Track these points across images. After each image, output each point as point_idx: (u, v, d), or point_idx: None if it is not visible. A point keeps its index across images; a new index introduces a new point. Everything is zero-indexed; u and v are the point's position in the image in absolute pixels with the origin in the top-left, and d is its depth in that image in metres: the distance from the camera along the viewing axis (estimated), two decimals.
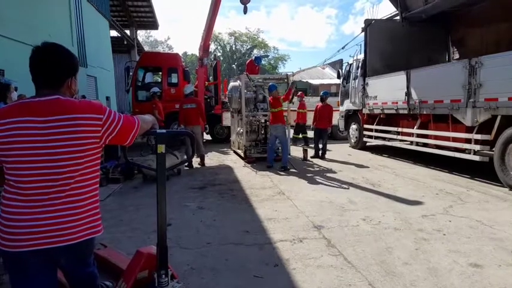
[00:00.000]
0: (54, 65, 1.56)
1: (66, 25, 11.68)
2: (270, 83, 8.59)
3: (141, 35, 39.63)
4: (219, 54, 43.12)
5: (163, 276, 2.01)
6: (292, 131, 9.98)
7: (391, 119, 9.44)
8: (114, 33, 20.05)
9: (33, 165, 1.46)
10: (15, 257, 1.49)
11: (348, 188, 6.01)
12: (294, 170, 7.68)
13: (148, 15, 22.13)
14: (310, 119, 10.73)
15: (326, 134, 9.49)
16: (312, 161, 8.93)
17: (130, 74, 13.00)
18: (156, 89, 10.51)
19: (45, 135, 1.45)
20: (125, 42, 21.06)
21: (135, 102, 12.48)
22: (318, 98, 10.51)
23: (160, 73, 13.25)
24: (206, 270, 3.13)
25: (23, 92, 5.58)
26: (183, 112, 8.17)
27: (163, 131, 1.99)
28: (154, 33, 45.06)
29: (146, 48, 35.95)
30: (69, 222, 1.52)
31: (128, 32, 21.86)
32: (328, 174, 7.23)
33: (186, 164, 7.96)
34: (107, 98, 16.30)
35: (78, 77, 1.69)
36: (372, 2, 65.83)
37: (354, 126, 11.30)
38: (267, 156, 8.37)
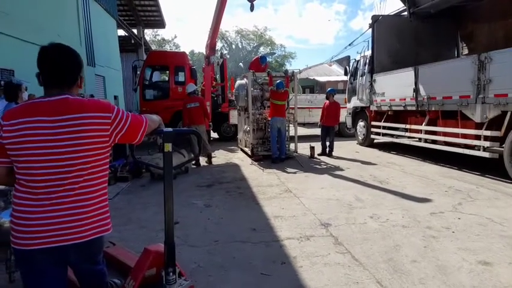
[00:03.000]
0: (67, 63, 1.60)
1: (74, 25, 11.76)
2: (278, 81, 8.60)
3: (148, 33, 39.72)
4: (225, 52, 43.15)
5: (171, 273, 2.02)
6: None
7: (399, 115, 9.36)
8: (121, 32, 20.16)
9: (44, 164, 1.48)
10: (26, 254, 1.52)
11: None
12: (301, 168, 7.67)
13: (155, 14, 22.18)
14: (317, 116, 10.72)
15: (333, 131, 9.44)
16: (319, 159, 8.90)
17: (138, 73, 13.08)
18: (193, 87, 10.60)
19: (55, 135, 1.47)
20: (132, 41, 21.14)
21: (142, 101, 12.56)
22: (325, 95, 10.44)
23: (168, 72, 13.31)
24: (213, 267, 3.15)
25: (33, 92, 5.65)
26: (186, 111, 8.24)
27: (170, 129, 2.00)
28: (161, 32, 45.07)
29: (153, 47, 36.08)
30: (79, 220, 1.54)
31: (135, 31, 21.92)
32: (336, 172, 7.21)
33: (193, 162, 8.02)
34: (115, 97, 16.39)
35: (87, 77, 1.72)
36: None
37: (361, 123, 11.23)
38: (271, 150, 8.44)
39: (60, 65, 1.58)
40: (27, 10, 8.55)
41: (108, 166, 1.68)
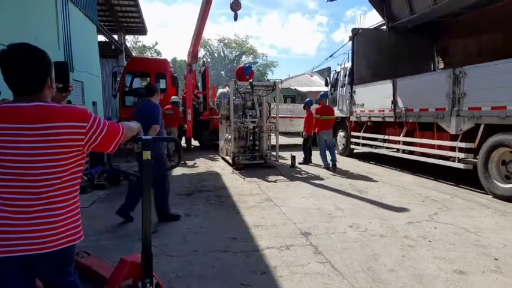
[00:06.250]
0: (33, 67, 1.50)
1: (52, 29, 11.51)
2: (322, 92, 9.07)
3: (129, 40, 39.29)
4: (208, 60, 43.17)
5: (148, 285, 1.98)
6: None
7: (378, 126, 9.55)
8: (102, 38, 19.89)
9: (12, 171, 1.42)
10: None
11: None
12: (281, 177, 7.69)
13: (137, 21, 22.00)
14: (298, 125, 10.90)
15: (306, 140, 9.80)
16: (300, 168, 8.95)
17: (118, 79, 12.89)
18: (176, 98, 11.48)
19: (26, 142, 1.42)
20: (113, 47, 20.88)
21: (122, 108, 12.37)
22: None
23: (148, 79, 13.18)
24: (192, 278, 3.09)
25: (7, 97, 5.47)
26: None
27: (149, 137, 1.97)
28: (142, 39, 44.68)
29: (134, 54, 35.71)
30: (47, 230, 1.48)
31: (116, 37, 21.68)
32: (316, 181, 7.26)
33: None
34: (94, 103, 16.06)
35: None
36: (363, 10, 67.25)
37: (341, 134, 11.40)
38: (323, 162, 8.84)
39: (25, 70, 1.48)
40: (3, 13, 8.32)
41: (81, 174, 1.62)
